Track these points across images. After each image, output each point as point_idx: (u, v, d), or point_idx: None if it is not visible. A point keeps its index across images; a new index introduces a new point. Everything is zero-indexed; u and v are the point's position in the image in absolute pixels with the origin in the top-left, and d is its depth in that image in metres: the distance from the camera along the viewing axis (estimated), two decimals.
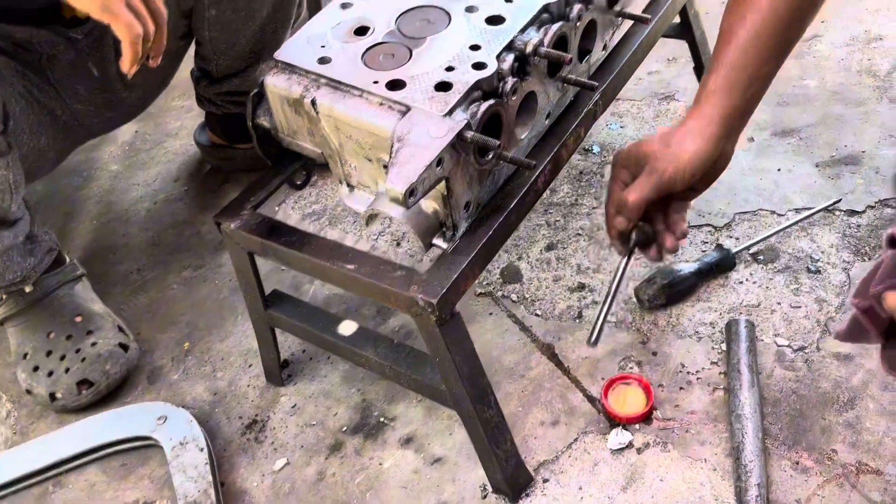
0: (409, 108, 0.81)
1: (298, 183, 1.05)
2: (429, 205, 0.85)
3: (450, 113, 0.79)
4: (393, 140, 0.78)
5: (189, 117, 1.76)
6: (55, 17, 1.10)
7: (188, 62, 1.43)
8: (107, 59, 1.18)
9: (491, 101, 0.82)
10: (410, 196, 0.75)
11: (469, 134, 0.78)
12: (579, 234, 1.31)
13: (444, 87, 0.82)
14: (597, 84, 0.93)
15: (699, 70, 1.38)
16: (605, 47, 1.04)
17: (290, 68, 0.88)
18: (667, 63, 1.61)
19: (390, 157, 0.77)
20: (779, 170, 1.34)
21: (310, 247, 0.90)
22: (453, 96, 0.80)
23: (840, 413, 1.01)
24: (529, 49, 0.85)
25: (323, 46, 0.89)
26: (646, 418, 1.04)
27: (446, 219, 0.86)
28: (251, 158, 1.49)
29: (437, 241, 0.87)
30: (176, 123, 1.76)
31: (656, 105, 1.52)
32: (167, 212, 1.55)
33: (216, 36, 1.24)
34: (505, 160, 0.87)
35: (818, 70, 1.51)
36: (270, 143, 0.98)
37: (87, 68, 1.15)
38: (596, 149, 1.46)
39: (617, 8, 1.02)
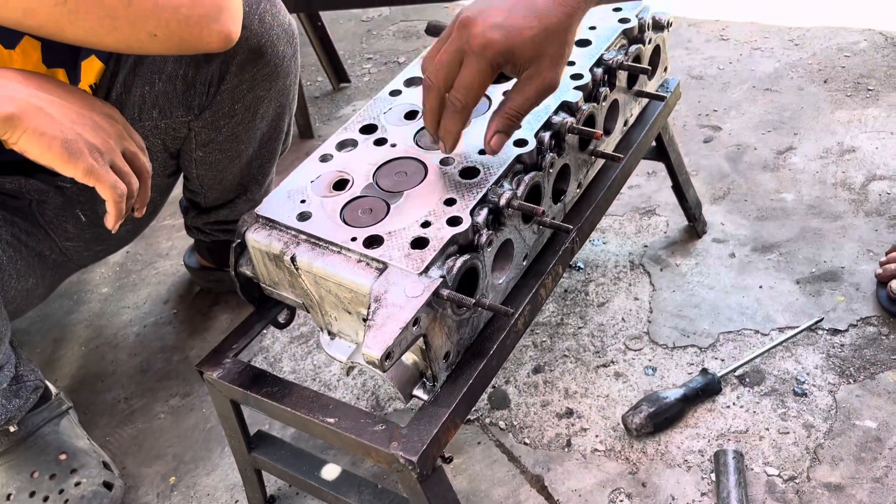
0: (386, 266, 0.82)
1: (282, 322, 1.06)
2: (408, 356, 0.86)
3: (426, 270, 0.81)
4: (370, 300, 0.80)
5: (179, 237, 1.79)
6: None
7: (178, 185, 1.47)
8: (95, 201, 1.21)
9: (466, 256, 0.84)
10: (387, 359, 0.75)
11: (445, 292, 0.80)
12: (566, 356, 1.31)
13: (420, 243, 0.83)
14: (571, 227, 0.95)
15: (677, 189, 1.42)
16: (579, 185, 1.07)
17: (270, 223, 0.90)
18: (647, 177, 1.65)
19: (367, 317, 0.78)
20: (760, 287, 1.35)
21: (291, 399, 0.90)
22: (429, 253, 0.82)
23: None
24: (503, 202, 0.88)
25: (303, 201, 0.91)
26: None
27: (426, 369, 0.86)
28: None
29: (418, 391, 0.87)
30: (167, 244, 1.78)
31: (637, 220, 1.55)
32: (156, 336, 1.55)
33: (204, 174, 1.28)
34: (483, 307, 0.88)
35: (794, 183, 1.55)
36: (253, 289, 0.99)
37: (76, 214, 1.18)
38: (580, 265, 1.48)
39: (590, 148, 1.05)
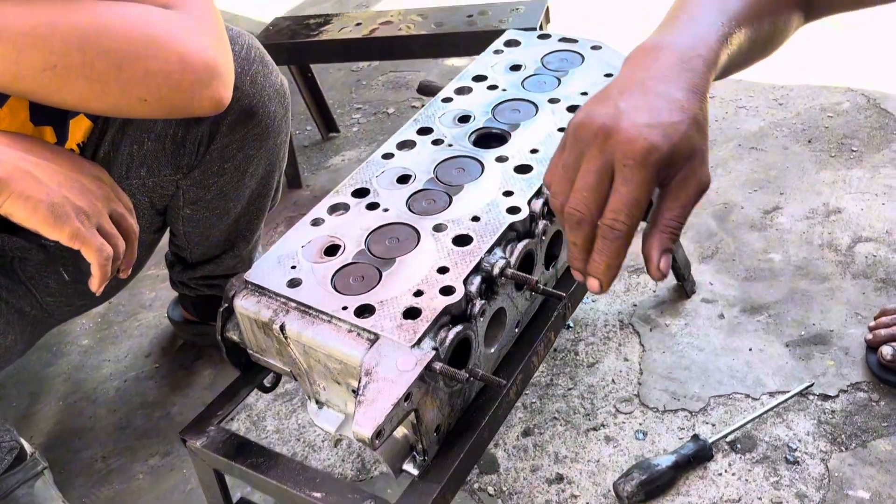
0: (377, 337, 0.81)
1: (268, 385, 1.04)
2: (398, 430, 0.84)
3: (418, 342, 0.80)
4: (361, 373, 0.78)
5: (163, 288, 1.76)
6: None
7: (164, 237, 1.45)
8: (78, 258, 1.19)
9: (459, 327, 0.82)
10: (378, 437, 0.73)
11: (437, 366, 0.78)
12: (556, 419, 1.29)
13: (412, 313, 0.82)
14: (564, 294, 0.95)
15: None
16: None
17: (259, 290, 0.89)
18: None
19: (357, 392, 0.77)
20: (750, 349, 1.35)
21: (276, 470, 0.87)
22: (421, 324, 0.81)
23: None
24: (496, 271, 0.87)
25: (293, 267, 0.90)
26: None
27: (416, 443, 0.84)
28: None
29: (408, 466, 0.85)
30: (150, 294, 1.76)
31: (626, 278, 1.55)
32: (137, 391, 1.52)
33: (191, 230, 1.26)
34: (476, 378, 0.86)
35: (782, 244, 1.55)
36: (240, 354, 0.97)
37: (58, 271, 1.15)
38: (570, 324, 1.47)
39: None
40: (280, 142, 1.20)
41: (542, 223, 0.94)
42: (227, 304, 0.92)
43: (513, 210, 0.93)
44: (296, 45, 1.86)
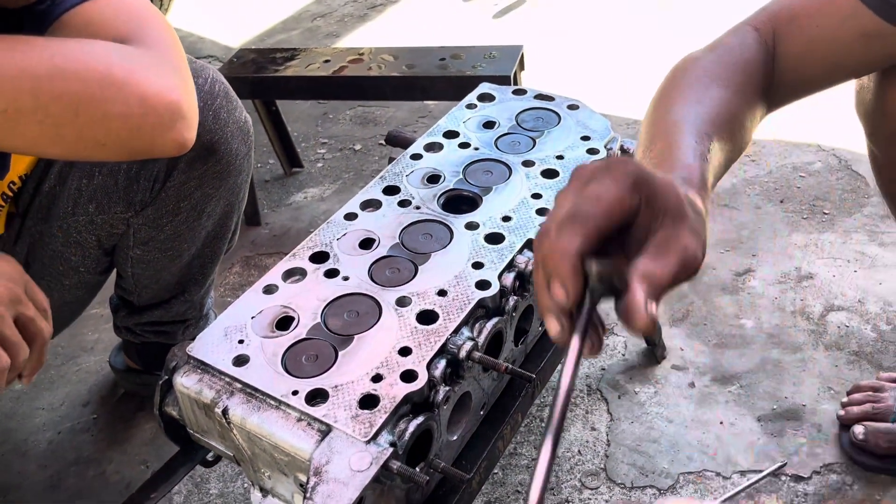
0: (329, 429, 0.74)
1: (210, 459, 0.96)
2: None
3: (374, 437, 0.72)
4: (310, 471, 0.71)
5: (107, 329, 1.65)
6: None
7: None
8: None
9: (420, 419, 0.76)
10: None
11: (395, 465, 0.71)
12: (518, 492, 1.22)
13: (369, 402, 0.75)
14: (533, 376, 0.88)
15: None
16: (542, 324, 1.01)
17: (202, 367, 0.81)
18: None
19: (305, 492, 0.69)
20: (721, 423, 1.30)
21: None
22: (379, 416, 0.74)
23: None
24: (463, 354, 0.80)
25: (241, 342, 0.82)
26: None
27: None
28: None
29: None
30: (92, 336, 1.65)
31: None
32: (71, 445, 1.41)
33: (140, 272, 1.18)
34: (436, 470, 0.80)
35: (754, 309, 1.51)
36: (179, 428, 0.89)
37: None
38: None
39: None
40: (241, 181, 1.13)
41: (512, 299, 0.88)
42: (166, 377, 0.84)
43: (482, 285, 0.87)
44: (260, 79, 1.79)
